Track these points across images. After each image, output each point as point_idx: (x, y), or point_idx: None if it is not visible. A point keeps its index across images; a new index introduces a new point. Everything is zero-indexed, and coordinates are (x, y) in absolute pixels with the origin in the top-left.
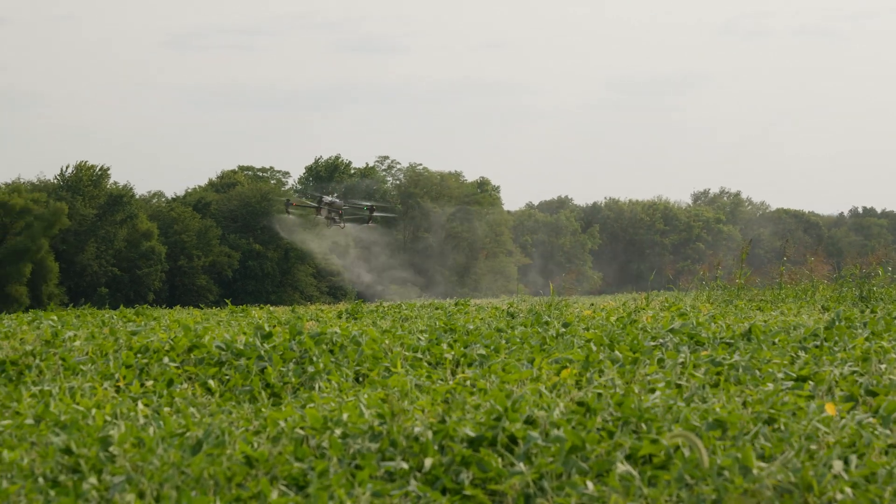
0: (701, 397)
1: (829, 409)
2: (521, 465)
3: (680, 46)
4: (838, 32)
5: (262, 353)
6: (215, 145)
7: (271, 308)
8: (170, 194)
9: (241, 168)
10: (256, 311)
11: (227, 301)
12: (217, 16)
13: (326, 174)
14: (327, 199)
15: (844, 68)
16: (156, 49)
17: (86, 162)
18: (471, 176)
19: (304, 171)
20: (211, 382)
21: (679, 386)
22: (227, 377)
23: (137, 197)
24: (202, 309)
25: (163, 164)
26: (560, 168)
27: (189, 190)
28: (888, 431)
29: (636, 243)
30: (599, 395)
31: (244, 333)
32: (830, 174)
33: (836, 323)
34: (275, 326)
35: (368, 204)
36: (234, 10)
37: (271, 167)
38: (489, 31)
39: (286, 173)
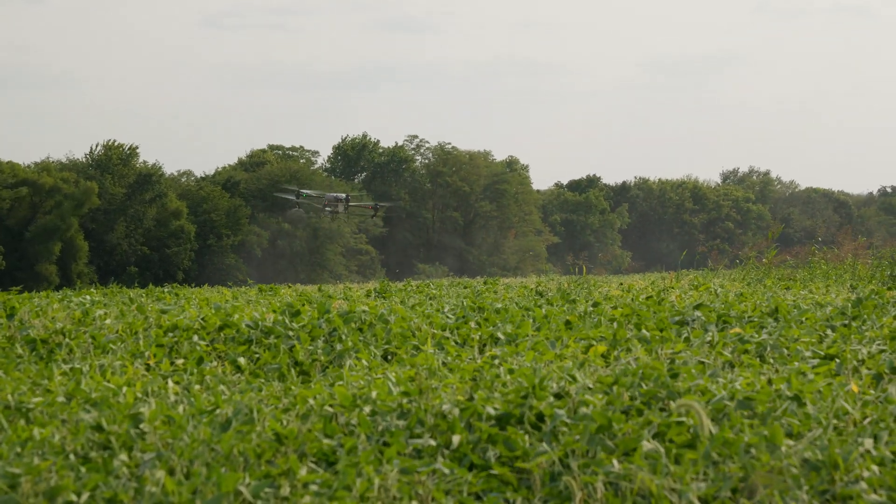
0: (727, 375)
1: (853, 388)
2: (548, 444)
3: (712, 26)
4: (872, 10)
5: (291, 331)
6: (246, 124)
7: (300, 287)
8: (199, 173)
9: (271, 147)
10: (286, 290)
11: (249, 280)
12: None
13: (354, 153)
14: (331, 196)
15: (877, 47)
16: (191, 28)
17: (115, 141)
18: (500, 155)
19: (332, 150)
20: (240, 360)
21: (704, 363)
22: (257, 355)
23: (167, 176)
24: (231, 288)
25: (193, 144)
26: (589, 147)
27: (219, 169)
28: None
29: (665, 222)
30: (626, 373)
31: (273, 312)
32: (860, 153)
33: (864, 301)
34: (303, 305)
35: (373, 203)
36: None
37: (301, 146)
38: (522, 11)
39: (315, 152)
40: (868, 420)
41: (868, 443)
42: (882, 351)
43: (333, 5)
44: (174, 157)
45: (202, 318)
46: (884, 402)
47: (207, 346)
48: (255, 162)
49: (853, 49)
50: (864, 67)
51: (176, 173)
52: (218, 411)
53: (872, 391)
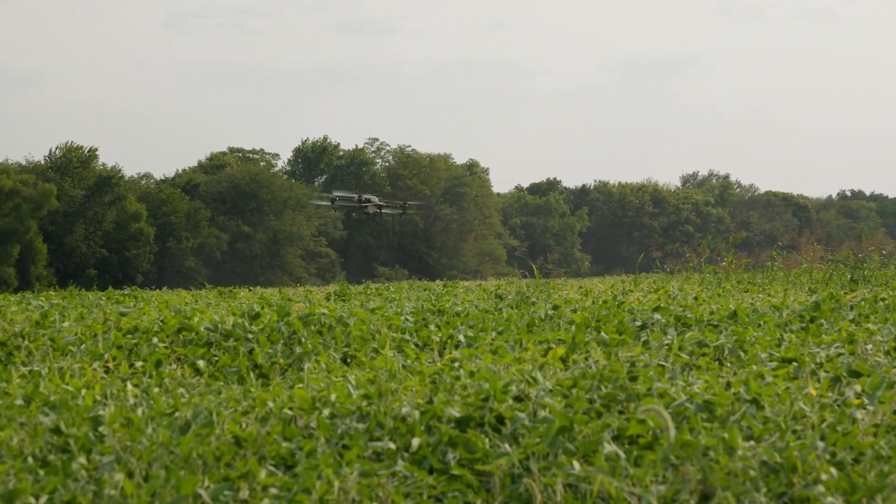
0: (686, 378)
1: (811, 391)
2: (508, 446)
3: (673, 28)
4: (832, 14)
5: (251, 334)
6: (206, 126)
7: (260, 290)
8: (159, 176)
9: (232, 149)
10: (245, 293)
11: (206, 284)
12: None
13: (314, 156)
14: (365, 197)
15: (837, 50)
16: (152, 29)
17: (74, 143)
18: (460, 158)
19: (292, 153)
20: (200, 363)
21: (663, 367)
22: (216, 358)
23: (126, 178)
24: (191, 291)
25: (153, 146)
26: (550, 150)
27: (178, 171)
28: (872, 411)
29: (625, 226)
30: (585, 375)
31: (233, 315)
32: (819, 157)
33: (822, 304)
34: (263, 308)
35: (402, 202)
36: None
37: (261, 149)
38: (483, 13)
39: (276, 155)
40: (826, 423)
41: (824, 446)
42: (840, 354)
43: (295, 7)
44: (134, 160)
45: (161, 321)
46: (841, 406)
47: (167, 348)
48: (215, 164)
49: (813, 52)
50: (825, 71)
51: (135, 176)
52: (177, 414)
53: (830, 394)
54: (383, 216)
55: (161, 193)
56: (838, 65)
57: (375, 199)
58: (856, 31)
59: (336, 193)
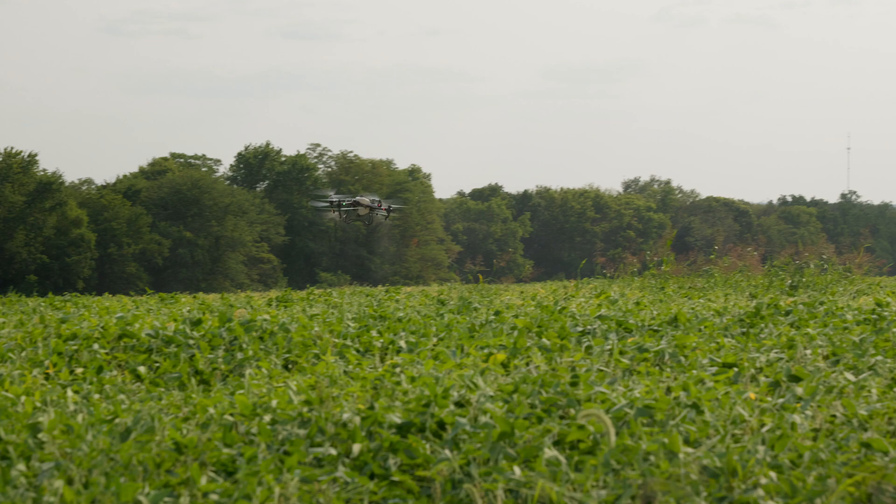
0: (626, 383)
1: (751, 395)
2: (449, 452)
3: (614, 34)
4: (772, 20)
5: (192, 340)
6: (147, 132)
7: (201, 296)
8: (100, 181)
9: (173, 155)
10: (186, 299)
11: (147, 290)
12: (155, 1)
13: (256, 162)
14: (366, 200)
15: (776, 57)
16: (92, 35)
17: (13, 148)
18: (402, 164)
19: (234, 158)
20: (141, 369)
21: (604, 372)
22: (157, 364)
23: (67, 184)
24: (132, 297)
25: (94, 151)
26: (492, 156)
27: (120, 177)
28: (811, 415)
29: (567, 231)
30: (526, 381)
31: (174, 321)
32: (760, 163)
33: (762, 310)
34: (204, 314)
35: (387, 206)
36: None
37: (203, 154)
38: (425, 18)
39: (218, 161)
40: (765, 427)
41: (764, 450)
42: (779, 359)
43: (236, 12)
44: (75, 165)
45: (102, 327)
46: (780, 410)
47: (107, 354)
48: (156, 170)
49: (753, 58)
50: (764, 77)
51: (76, 181)
52: (117, 420)
53: (769, 399)
54: (374, 218)
55: (102, 199)
56: (777, 70)
57: (367, 200)
58: (794, 37)
59: (335, 197)
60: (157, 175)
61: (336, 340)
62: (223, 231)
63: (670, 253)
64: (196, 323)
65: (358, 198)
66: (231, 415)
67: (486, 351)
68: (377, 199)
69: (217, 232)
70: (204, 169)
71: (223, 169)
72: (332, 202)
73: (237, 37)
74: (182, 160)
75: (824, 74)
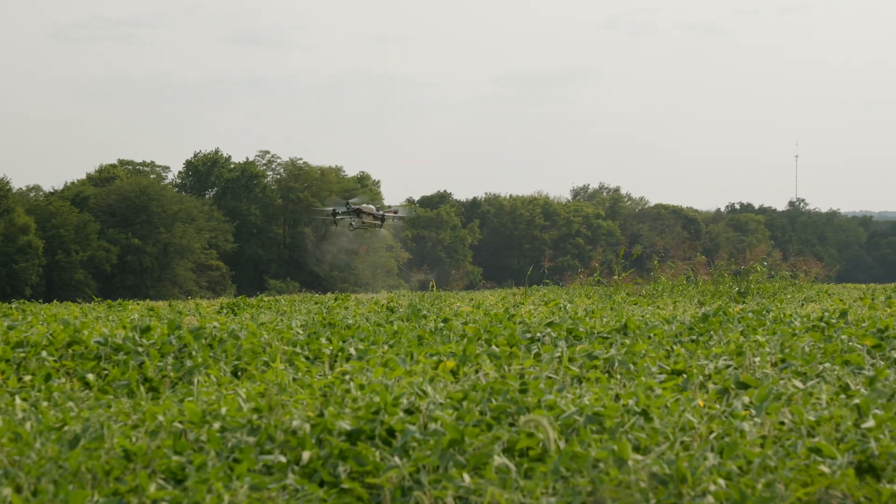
0: (575, 391)
1: (699, 402)
2: (398, 459)
3: (564, 42)
4: (722, 29)
5: (141, 347)
6: (96, 138)
7: (150, 303)
8: (47, 188)
9: (122, 162)
10: (135, 306)
11: (95, 298)
12: (105, 6)
13: (205, 169)
14: (366, 207)
15: (726, 65)
16: (40, 41)
17: None
18: (351, 171)
19: (183, 165)
20: (89, 377)
21: (553, 379)
22: (106, 371)
23: (14, 191)
24: (80, 304)
25: (41, 158)
26: (441, 163)
27: (68, 184)
28: (760, 422)
29: (516, 238)
30: (476, 388)
31: (123, 328)
32: (709, 170)
33: (711, 317)
34: (153, 321)
35: (394, 209)
36: (122, 1)
37: (152, 161)
38: (376, 25)
39: (166, 168)
40: (714, 435)
41: (713, 457)
42: (728, 366)
43: (186, 18)
44: (22, 172)
45: (50, 334)
46: (729, 417)
47: (56, 362)
48: (104, 177)
49: (703, 67)
50: (713, 85)
51: (24, 188)
52: (66, 428)
53: (718, 406)
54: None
55: (50, 206)
56: (728, 78)
57: (372, 208)
58: (743, 45)
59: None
60: (105, 182)
61: (285, 348)
62: (171, 238)
63: (623, 261)
64: (145, 330)
65: (362, 206)
66: (180, 422)
67: (435, 358)
68: (376, 206)
69: (165, 239)
70: (152, 176)
71: (172, 176)
72: (335, 211)
73: (187, 43)
74: (130, 167)
75: (773, 83)
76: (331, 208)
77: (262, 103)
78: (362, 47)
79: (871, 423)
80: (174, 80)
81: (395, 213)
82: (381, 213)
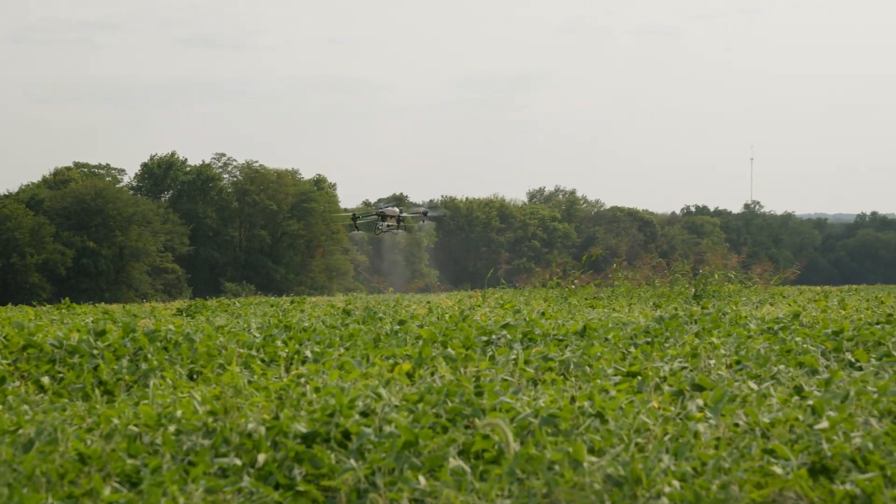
0: (531, 393)
1: (654, 404)
2: (354, 461)
3: (521, 45)
4: (678, 32)
5: (96, 350)
6: (51, 141)
7: (105, 306)
8: (2, 191)
9: (77, 165)
10: (90, 309)
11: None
12: (61, 9)
13: (161, 172)
14: (389, 209)
15: (681, 68)
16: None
17: None
18: (308, 173)
19: (139, 168)
20: (44, 380)
21: (509, 381)
22: (61, 375)
23: None
24: (35, 307)
25: None
26: (397, 165)
27: (22, 186)
28: (714, 424)
29: (472, 241)
30: (431, 390)
31: (78, 331)
32: (665, 173)
33: (667, 319)
34: (108, 324)
35: (423, 209)
36: (77, 3)
37: (107, 164)
38: (334, 28)
39: (122, 170)
40: (669, 436)
41: (668, 458)
42: (683, 368)
43: (143, 21)
44: None
45: (5, 338)
46: (684, 419)
47: (10, 365)
48: (59, 180)
49: (658, 70)
50: (669, 88)
51: None
52: (20, 431)
53: (673, 408)
54: (402, 225)
55: (4, 209)
56: (683, 82)
57: (396, 210)
58: (698, 49)
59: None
60: (60, 185)
61: (241, 350)
62: (127, 241)
63: (582, 266)
64: (100, 333)
65: (386, 209)
66: (135, 425)
67: (391, 361)
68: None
69: (121, 242)
70: (108, 179)
71: (127, 179)
72: (355, 215)
73: (144, 46)
74: (86, 170)
75: (728, 86)
76: (350, 213)
77: (219, 106)
78: (319, 50)
79: (824, 424)
80: (130, 82)
81: (425, 213)
82: (403, 214)
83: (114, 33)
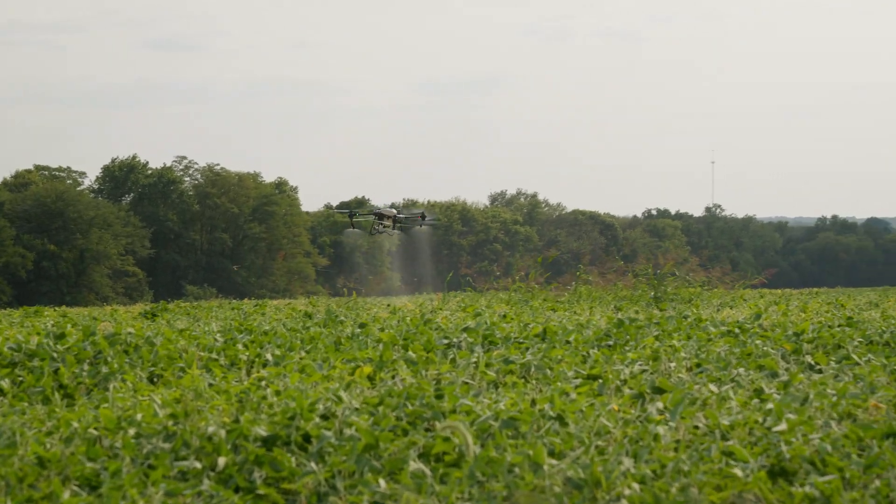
0: (491, 395)
1: (614, 407)
2: (314, 464)
3: (482, 48)
4: (638, 35)
5: (56, 353)
6: (11, 144)
7: (65, 309)
8: None
9: (37, 167)
10: (50, 312)
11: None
12: (22, 11)
13: (122, 175)
14: (387, 210)
15: (642, 71)
16: None
17: None
18: (269, 177)
19: (100, 170)
20: (3, 383)
21: (469, 384)
22: (20, 378)
23: None
24: None
25: None
26: (359, 169)
27: None
28: (674, 426)
29: (434, 244)
30: (391, 393)
31: (37, 334)
32: (626, 176)
33: (628, 322)
34: (69, 327)
35: (420, 212)
36: (39, 5)
37: (68, 167)
38: (296, 31)
39: (83, 173)
40: (629, 439)
41: (628, 461)
42: (643, 371)
43: (105, 23)
44: None
45: None
46: (644, 422)
47: None
48: (20, 182)
49: (620, 73)
50: (630, 92)
51: None
52: None
53: (633, 410)
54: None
55: None
56: (644, 85)
57: (393, 211)
58: (660, 52)
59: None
60: (20, 187)
61: (202, 354)
62: (88, 244)
63: (541, 269)
64: (60, 336)
65: (383, 209)
66: (95, 429)
67: (352, 364)
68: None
69: (82, 245)
70: (69, 181)
71: (88, 181)
72: (352, 212)
73: (105, 48)
74: (46, 172)
75: (689, 89)
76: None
77: (180, 109)
78: (281, 53)
79: (783, 426)
80: (91, 84)
81: (423, 216)
82: (399, 216)
83: (74, 36)
